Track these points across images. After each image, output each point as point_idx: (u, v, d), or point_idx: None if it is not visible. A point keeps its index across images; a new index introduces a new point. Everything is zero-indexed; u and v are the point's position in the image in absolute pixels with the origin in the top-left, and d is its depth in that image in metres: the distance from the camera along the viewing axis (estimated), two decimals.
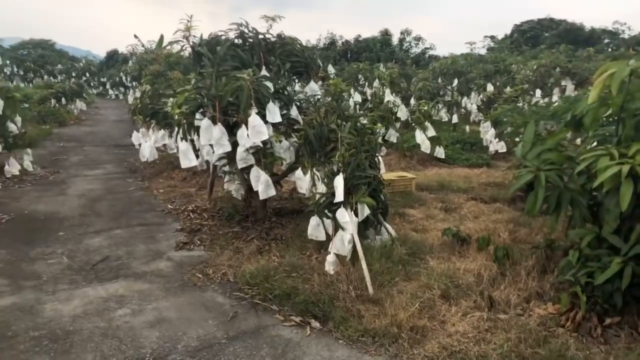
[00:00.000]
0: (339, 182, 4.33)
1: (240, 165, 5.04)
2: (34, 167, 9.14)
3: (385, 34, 38.68)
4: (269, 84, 5.05)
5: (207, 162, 6.60)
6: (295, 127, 5.19)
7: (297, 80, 6.64)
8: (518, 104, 10.18)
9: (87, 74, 37.99)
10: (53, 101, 18.64)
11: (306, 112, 5.44)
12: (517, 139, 5.58)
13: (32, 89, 23.19)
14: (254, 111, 4.69)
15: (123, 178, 8.85)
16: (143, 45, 16.37)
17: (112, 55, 42.85)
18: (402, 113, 10.27)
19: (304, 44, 6.22)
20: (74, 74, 36.30)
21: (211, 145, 5.02)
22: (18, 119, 9.13)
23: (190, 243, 5.34)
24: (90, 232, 5.70)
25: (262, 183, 5.06)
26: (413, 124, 9.99)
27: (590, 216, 3.70)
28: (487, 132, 11.09)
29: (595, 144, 3.88)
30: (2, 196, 7.29)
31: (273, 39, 5.80)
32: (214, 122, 4.95)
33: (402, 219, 5.94)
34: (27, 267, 4.64)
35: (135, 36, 19.12)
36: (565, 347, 3.10)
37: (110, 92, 33.21)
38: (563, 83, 13.84)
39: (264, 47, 5.50)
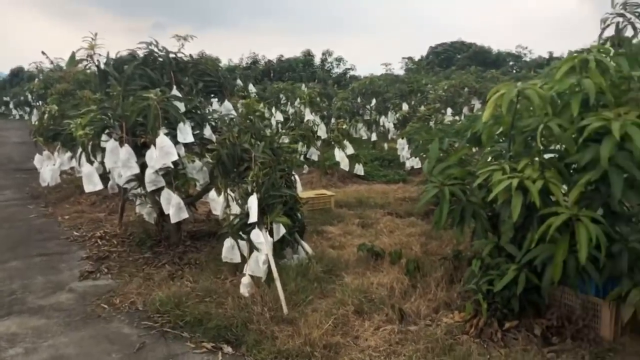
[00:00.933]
0: (253, 202, 4.27)
1: (150, 187, 4.84)
2: None
3: (308, 54, 39.38)
4: (180, 104, 4.93)
5: (118, 185, 6.29)
6: (209, 147, 5.08)
7: (218, 100, 6.54)
8: (430, 122, 10.71)
9: None
10: None
11: (221, 132, 5.36)
12: (423, 156, 5.86)
13: None
14: (162, 132, 4.53)
15: (23, 205, 8.16)
16: (52, 62, 15.44)
17: (17, 73, 39.85)
18: (322, 132, 10.46)
19: (225, 63, 6.20)
20: None
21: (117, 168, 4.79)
22: None
23: (96, 272, 5.01)
24: None
25: (173, 206, 4.89)
26: (333, 143, 10.21)
27: (490, 227, 3.93)
28: (403, 149, 11.55)
29: (490, 159, 4.15)
30: None
31: (185, 58, 5.70)
32: (121, 144, 4.73)
33: (320, 237, 5.97)
34: None
35: (43, 53, 18.01)
36: (468, 353, 3.23)
37: (14, 112, 30.80)
38: (472, 102, 14.80)
39: (174, 66, 5.37)
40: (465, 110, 14.22)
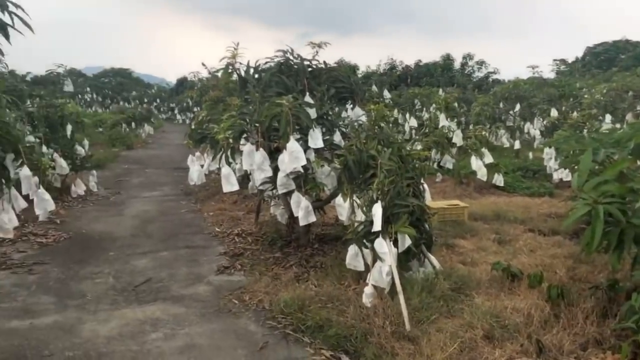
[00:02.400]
0: (377, 210, 4.17)
1: (281, 190, 5.02)
2: (98, 188, 9.66)
3: (447, 58, 38.14)
4: (311, 110, 5.04)
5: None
6: (337, 153, 5.11)
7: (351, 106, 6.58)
8: (584, 130, 9.53)
9: (158, 100, 40.27)
10: (124, 126, 19.85)
11: (350, 138, 5.36)
12: (575, 167, 5.18)
13: (107, 114, 24.86)
14: (293, 137, 4.67)
15: (177, 200, 9.13)
16: (209, 72, 17.15)
17: (182, 82, 45.16)
18: (458, 138, 9.95)
19: (363, 70, 6.22)
20: (146, 100, 38.62)
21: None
22: (85, 142, 9.73)
23: (231, 267, 5.34)
24: (138, 254, 5.87)
25: (302, 209, 5.01)
26: (469, 150, 9.64)
27: None
28: (551, 159, 10.48)
29: None
30: (66, 215, 7.72)
31: (319, 65, 5.83)
32: (257, 148, 4.99)
33: (450, 251, 5.64)
34: (75, 286, 4.81)
35: (203, 64, 20.07)
36: None
37: (178, 117, 34.93)
38: (638, 108, 12.89)
39: (308, 73, 5.51)
40: (628, 117, 12.42)
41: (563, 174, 9.85)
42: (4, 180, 5.37)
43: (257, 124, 4.89)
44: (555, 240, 6.06)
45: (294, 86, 5.35)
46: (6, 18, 5.45)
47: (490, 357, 3.32)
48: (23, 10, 5.48)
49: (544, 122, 13.84)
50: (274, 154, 5.14)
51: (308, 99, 5.28)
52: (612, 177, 3.64)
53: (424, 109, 15.64)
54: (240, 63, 5.54)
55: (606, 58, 38.10)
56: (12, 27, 5.42)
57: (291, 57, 5.57)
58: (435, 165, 10.69)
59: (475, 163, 9.23)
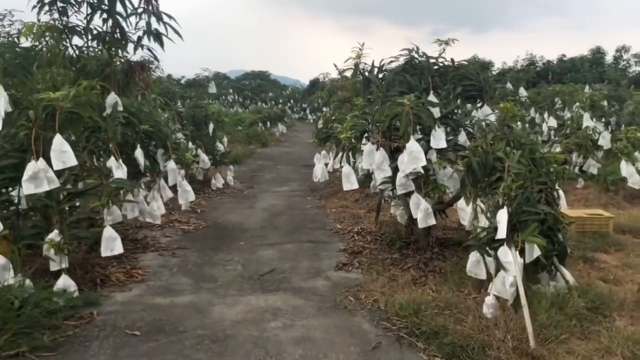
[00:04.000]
0: (502, 216, 3.91)
1: (400, 190, 4.97)
2: (235, 182, 10.50)
3: (597, 51, 34.16)
4: (435, 109, 4.90)
5: None
6: (461, 154, 4.91)
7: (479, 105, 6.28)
8: None
9: (292, 100, 42.32)
10: (260, 125, 21.27)
11: (476, 139, 5.11)
12: None
13: (245, 114, 26.84)
14: (414, 137, 4.59)
15: (304, 196, 9.54)
16: (340, 73, 17.64)
17: (314, 83, 46.87)
18: (605, 141, 8.91)
19: (499, 66, 5.91)
20: (280, 101, 40.84)
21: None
22: (225, 139, 10.63)
23: (349, 264, 5.44)
24: (265, 244, 6.26)
25: (421, 211, 4.90)
26: (619, 154, 8.55)
27: None
28: None
29: None
30: (206, 206, 8.53)
31: (446, 63, 5.64)
32: (377, 147, 5.00)
33: (588, 265, 5.08)
34: (209, 271, 5.30)
35: (335, 65, 20.67)
36: None
37: (309, 116, 36.33)
38: None
39: (433, 71, 5.37)
40: None
41: None
42: (155, 172, 6.14)
43: (378, 124, 4.90)
44: None
45: (417, 85, 5.25)
46: (161, 28, 6.25)
47: None
48: (175, 20, 6.23)
49: None
50: (394, 154, 5.10)
51: (432, 97, 5.15)
52: None
53: (566, 107, 14.20)
54: (365, 63, 5.60)
55: None
56: (166, 36, 6.20)
57: (416, 56, 5.47)
58: (576, 170, 9.70)
59: (626, 168, 8.12)
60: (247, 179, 11.32)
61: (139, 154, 5.48)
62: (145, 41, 6.15)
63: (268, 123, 22.22)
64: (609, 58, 33.21)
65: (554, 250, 4.26)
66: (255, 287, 4.85)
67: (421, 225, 4.96)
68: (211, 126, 9.90)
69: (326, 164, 8.03)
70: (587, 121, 9.30)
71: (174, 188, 6.32)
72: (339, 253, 5.89)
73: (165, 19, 6.05)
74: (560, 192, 4.69)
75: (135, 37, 6.17)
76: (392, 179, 5.23)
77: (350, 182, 5.29)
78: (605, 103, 11.58)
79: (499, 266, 3.97)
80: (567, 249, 4.52)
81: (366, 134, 5.28)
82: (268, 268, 5.39)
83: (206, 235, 6.77)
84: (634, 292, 4.22)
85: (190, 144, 8.71)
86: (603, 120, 9.96)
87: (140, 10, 6.00)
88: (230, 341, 3.71)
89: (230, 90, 41.15)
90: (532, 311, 3.67)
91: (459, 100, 5.80)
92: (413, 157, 4.60)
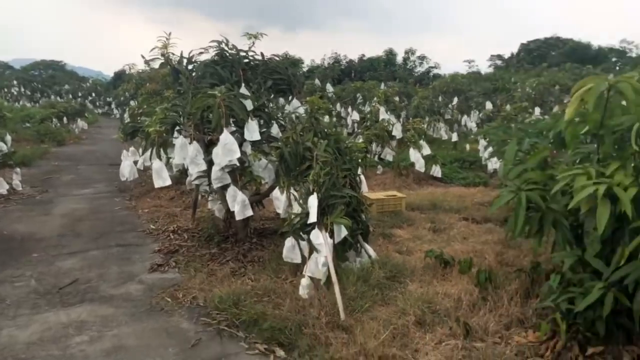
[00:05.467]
0: (313, 202, 4.16)
1: (216, 184, 4.90)
2: (23, 187, 9.06)
3: (390, 53, 38.88)
4: (247, 102, 4.94)
5: None
6: (273, 145, 5.05)
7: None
8: (517, 122, 9.99)
9: (93, 94, 38.41)
10: (54, 121, 18.77)
11: (287, 130, 5.31)
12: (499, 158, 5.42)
13: (36, 109, 23.40)
14: (227, 129, 4.56)
15: (111, 197, 8.74)
16: (146, 62, 16.53)
17: (120, 75, 43.35)
18: (397, 131, 10.15)
19: (308, 63, 6.17)
20: (80, 94, 36.71)
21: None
22: (8, 138, 9.09)
23: (165, 265, 5.17)
24: (65, 254, 5.55)
25: (238, 203, 4.91)
26: (408, 142, 9.86)
27: (573, 238, 3.49)
28: (486, 151, 10.91)
29: (577, 162, 3.69)
30: None
31: (256, 57, 5.72)
32: (190, 141, 4.83)
33: (387, 240, 5.74)
34: None
35: (142, 56, 19.31)
36: None
37: (115, 111, 33.45)
38: (565, 101, 13.68)
39: (244, 64, 5.40)
40: (555, 109, 13.17)
41: (497, 164, 10.30)
42: None
43: (189, 116, 4.74)
44: (486, 228, 6.31)
45: (229, 77, 5.22)
46: None
47: (421, 342, 3.40)
48: None
49: (480, 115, 14.39)
50: (208, 147, 5.00)
51: (244, 90, 5.17)
52: (534, 165, 3.82)
53: (366, 102, 15.83)
54: (173, 54, 5.34)
55: (538, 54, 40.25)
56: None
57: (226, 48, 5.43)
58: (376, 158, 10.86)
59: (414, 155, 9.47)
60: (40, 183, 9.88)
61: None
62: None
63: (65, 119, 19.76)
64: (399, 59, 38.05)
65: (359, 229, 4.70)
66: (54, 302, 4.27)
67: (239, 217, 4.98)
68: None
69: (135, 162, 7.45)
70: (383, 114, 10.47)
71: None
72: (154, 254, 5.55)
73: None
74: (362, 177, 5.19)
75: None
76: (207, 173, 5.13)
77: (162, 179, 5.01)
78: (397, 98, 13.19)
79: (312, 249, 4.22)
80: (369, 228, 5.03)
81: (178, 127, 5.06)
82: (69, 279, 4.80)
83: None
84: (421, 260, 4.90)
85: None
86: (395, 113, 11.32)
87: None
88: None
89: (15, 82, 35.54)
90: (342, 287, 3.99)
91: (272, 95, 5.96)
92: (227, 150, 4.57)
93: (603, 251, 3.18)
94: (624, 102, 3.18)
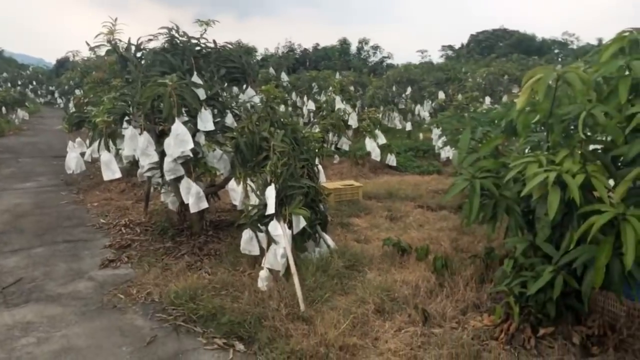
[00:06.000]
0: (270, 193, 4.10)
1: (169, 176, 4.74)
2: None
3: (344, 42, 38.99)
4: (200, 91, 4.79)
5: None
6: (228, 135, 4.94)
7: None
8: (469, 111, 10.27)
9: (34, 82, 36.41)
10: None
11: (242, 120, 5.20)
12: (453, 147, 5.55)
13: None
14: (179, 119, 4.40)
15: (57, 191, 8.31)
16: (91, 49, 15.76)
17: (63, 63, 41.27)
18: (353, 121, 10.19)
19: (262, 52, 6.03)
20: (20, 82, 34.71)
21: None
22: None
23: (117, 260, 4.97)
24: (6, 252, 5.24)
25: (192, 195, 4.78)
26: (363, 132, 9.92)
27: (525, 224, 3.61)
28: (439, 139, 11.14)
29: (528, 150, 3.81)
30: None
31: (208, 44, 5.55)
32: (141, 131, 4.64)
33: (345, 230, 5.76)
34: None
35: (87, 43, 18.41)
36: None
37: (59, 100, 31.84)
38: (513, 90, 14.16)
39: (196, 52, 5.23)
40: (505, 98, 13.61)
41: (449, 153, 10.54)
42: None
43: (139, 106, 4.54)
44: (441, 215, 6.45)
45: (180, 65, 5.04)
46: None
47: (380, 329, 3.43)
48: None
49: (433, 104, 14.67)
50: (160, 138, 4.82)
51: (196, 79, 5.02)
52: (487, 153, 3.91)
53: (322, 92, 15.80)
54: (120, 40, 5.09)
55: (487, 45, 41.51)
56: None
57: (177, 35, 5.23)
58: (332, 147, 10.88)
59: (370, 144, 9.54)
60: None
61: None
62: None
63: (4, 109, 18.62)
64: (353, 48, 38.21)
65: (317, 219, 4.69)
66: None
67: (193, 209, 4.84)
68: None
69: (82, 153, 7.10)
70: (339, 104, 10.45)
71: None
72: (104, 250, 5.33)
73: None
74: (320, 167, 5.17)
75: None
76: (159, 165, 4.95)
77: (111, 171, 4.80)
78: (352, 88, 13.23)
79: (270, 240, 4.17)
80: (327, 217, 5.03)
81: (127, 118, 4.84)
82: (12, 279, 4.53)
83: None
84: (379, 248, 4.95)
85: None
86: (351, 102, 11.35)
87: None
88: None
89: None
90: (301, 277, 3.97)
91: (226, 84, 5.80)
92: (180, 140, 4.42)
93: (553, 236, 3.30)
94: (570, 92, 3.30)
